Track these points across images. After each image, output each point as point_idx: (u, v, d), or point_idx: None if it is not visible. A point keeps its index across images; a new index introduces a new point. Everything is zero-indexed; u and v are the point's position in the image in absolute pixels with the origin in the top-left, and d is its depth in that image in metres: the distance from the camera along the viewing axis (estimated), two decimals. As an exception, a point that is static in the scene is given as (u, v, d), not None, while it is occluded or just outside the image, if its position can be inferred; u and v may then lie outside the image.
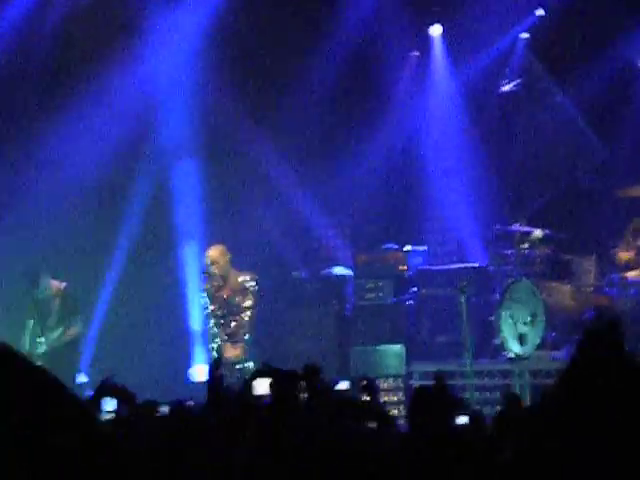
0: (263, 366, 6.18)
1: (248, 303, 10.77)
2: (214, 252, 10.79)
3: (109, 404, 5.93)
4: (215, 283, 10.75)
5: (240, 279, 10.81)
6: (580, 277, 11.07)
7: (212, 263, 10.72)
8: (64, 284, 10.83)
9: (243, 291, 10.80)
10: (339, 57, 12.83)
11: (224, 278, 10.79)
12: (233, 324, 10.78)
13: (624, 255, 10.69)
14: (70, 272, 11.28)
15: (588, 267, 10.99)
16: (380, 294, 12.14)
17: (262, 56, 12.89)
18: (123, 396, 5.90)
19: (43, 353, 10.61)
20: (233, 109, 12.77)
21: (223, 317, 10.73)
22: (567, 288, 11.14)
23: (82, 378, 10.70)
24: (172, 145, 12.85)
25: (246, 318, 10.80)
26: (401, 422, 11.13)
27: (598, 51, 12.12)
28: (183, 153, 12.87)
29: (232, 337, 10.79)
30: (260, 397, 5.86)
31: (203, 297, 10.88)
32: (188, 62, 12.70)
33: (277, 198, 13.25)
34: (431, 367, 11.31)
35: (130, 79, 12.38)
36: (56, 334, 10.68)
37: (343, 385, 6.60)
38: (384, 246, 12.57)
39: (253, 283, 10.78)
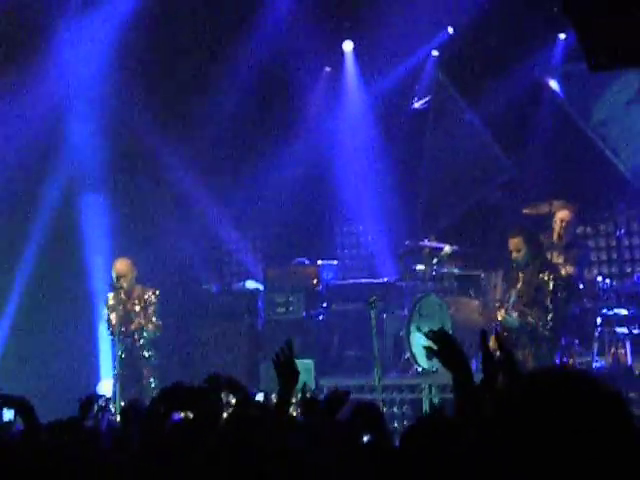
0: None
1: (150, 320, 10.72)
2: (121, 265, 10.74)
3: (6, 414, 5.91)
4: (119, 297, 10.68)
5: (143, 295, 10.76)
6: (487, 292, 11.20)
7: (119, 276, 10.66)
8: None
9: (145, 307, 10.74)
10: (252, 70, 12.81)
11: (128, 293, 10.73)
12: (133, 340, 10.72)
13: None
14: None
15: (495, 282, 11.12)
16: (291, 308, 12.15)
17: (173, 67, 12.82)
18: (20, 407, 5.83)
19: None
20: (143, 121, 12.67)
21: (125, 332, 10.66)
22: (474, 303, 11.27)
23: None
24: (81, 155, 12.68)
25: (148, 334, 10.74)
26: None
27: (507, 69, 12.29)
28: (92, 164, 12.72)
29: (135, 353, 10.71)
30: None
31: (105, 310, 10.80)
32: (98, 71, 12.56)
33: (188, 211, 13.19)
34: (340, 381, 11.34)
35: (40, 86, 12.20)
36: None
37: (259, 397, 6.60)
38: (295, 260, 12.59)
39: (153, 299, 10.74)
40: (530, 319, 9.72)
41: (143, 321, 10.74)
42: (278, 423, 5.22)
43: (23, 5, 12.18)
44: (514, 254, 9.88)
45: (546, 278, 9.72)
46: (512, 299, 9.93)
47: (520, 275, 9.86)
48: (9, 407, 5.75)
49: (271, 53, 12.71)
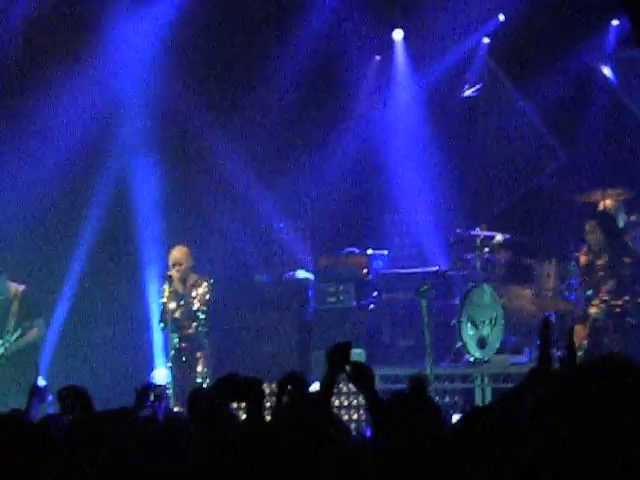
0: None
1: (203, 309, 10.77)
2: (178, 253, 10.82)
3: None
4: (174, 285, 10.74)
5: (197, 284, 10.81)
6: (540, 281, 11.12)
7: (175, 264, 10.73)
8: (22, 287, 10.76)
9: (199, 297, 10.80)
10: (302, 61, 12.81)
11: (183, 281, 10.79)
12: (190, 329, 10.78)
13: (584, 259, 10.76)
14: (29, 275, 11.21)
15: (548, 271, 11.04)
16: (341, 298, 12.15)
17: (225, 59, 12.87)
18: (79, 400, 5.89)
19: (1, 356, 10.52)
20: (194, 111, 12.74)
21: (179, 321, 10.72)
22: (527, 292, 11.19)
23: (41, 382, 10.61)
24: (133, 148, 12.77)
25: (202, 323, 10.81)
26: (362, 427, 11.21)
27: (558, 55, 12.19)
28: (144, 156, 12.80)
29: (190, 342, 10.78)
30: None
31: (161, 300, 10.87)
32: (151, 64, 12.63)
33: (239, 201, 13.22)
34: (391, 371, 11.34)
35: (91, 82, 12.29)
36: (14, 338, 10.59)
37: (315, 386, 6.58)
38: (346, 250, 12.57)
39: (207, 289, 10.79)
40: (617, 308, 9.65)
41: (197, 310, 10.79)
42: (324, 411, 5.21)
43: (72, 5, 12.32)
44: (588, 237, 9.85)
45: (627, 262, 9.65)
46: (589, 291, 9.88)
47: (599, 263, 9.81)
48: (68, 398, 5.81)
49: (321, 43, 12.71)
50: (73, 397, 5.84)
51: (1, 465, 4.37)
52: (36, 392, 6.28)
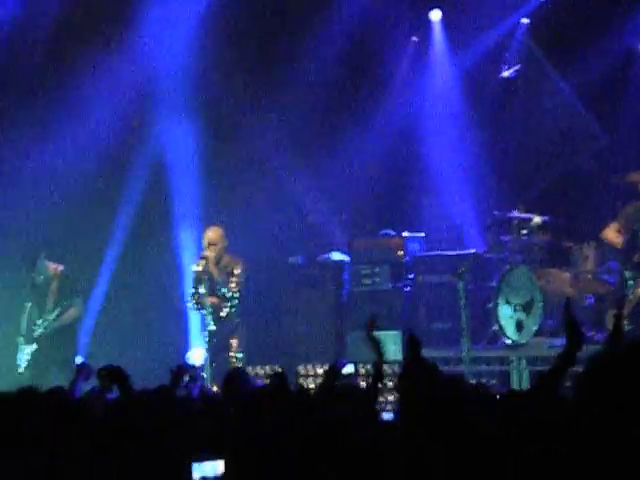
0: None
1: (237, 290, 10.77)
2: (213, 234, 10.82)
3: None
4: (208, 266, 10.74)
5: (232, 265, 10.81)
6: (579, 264, 11.03)
7: (209, 244, 10.75)
8: (61, 267, 10.83)
9: (234, 278, 10.79)
10: (338, 42, 12.79)
11: (217, 261, 10.80)
12: (223, 311, 10.79)
13: (611, 234, 10.64)
14: (68, 255, 11.28)
15: (587, 254, 10.96)
16: (377, 280, 12.13)
17: (261, 40, 12.86)
18: (113, 374, 5.93)
19: (40, 335, 10.60)
20: (230, 92, 12.74)
21: (213, 301, 10.73)
22: (565, 275, 11.11)
23: (79, 360, 10.68)
24: (169, 130, 12.80)
25: (236, 304, 10.81)
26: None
27: (598, 36, 12.07)
28: (180, 137, 12.82)
29: (224, 323, 10.79)
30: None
31: (192, 276, 10.89)
32: (187, 46, 12.65)
33: (274, 182, 13.22)
34: (427, 354, 11.28)
35: (128, 65, 12.34)
36: (53, 317, 10.67)
37: (349, 368, 6.58)
38: (381, 232, 12.54)
39: (241, 271, 10.79)
40: None
41: (231, 291, 10.79)
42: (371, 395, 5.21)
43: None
44: (632, 217, 9.80)
45: None
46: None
47: None
48: (107, 377, 5.85)
49: (359, 23, 12.67)
50: (112, 376, 5.88)
51: (45, 440, 4.40)
52: (82, 370, 6.32)
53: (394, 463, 4.12)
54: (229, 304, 10.80)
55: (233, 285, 10.78)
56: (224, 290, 10.75)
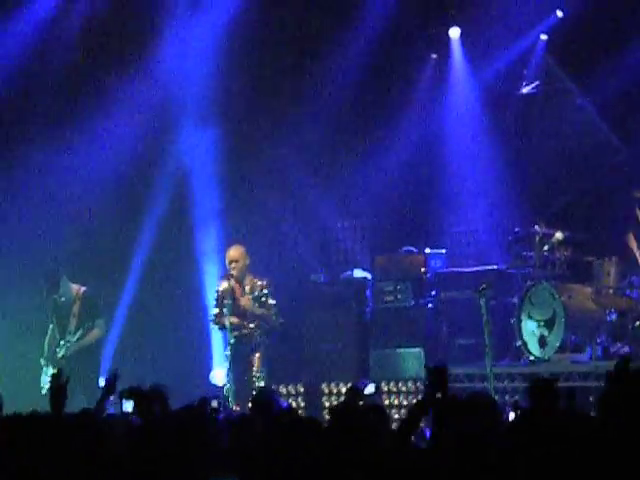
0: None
1: (261, 311, 10.81)
2: (235, 252, 10.88)
3: (127, 405, 6.01)
4: (230, 285, 10.78)
5: (254, 284, 10.85)
6: (601, 279, 11.00)
7: (231, 262, 10.79)
8: (83, 288, 10.89)
9: (258, 297, 10.84)
10: (358, 61, 12.83)
11: (240, 280, 10.84)
12: (245, 329, 10.82)
13: (633, 243, 10.65)
14: (90, 276, 11.34)
15: (608, 269, 10.92)
16: (399, 297, 12.12)
17: (282, 55, 12.93)
18: (137, 397, 5.96)
19: (63, 357, 10.65)
20: (252, 108, 12.80)
21: (236, 321, 10.76)
22: (587, 290, 11.07)
23: (102, 382, 10.71)
24: (191, 145, 12.88)
25: (258, 322, 10.84)
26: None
27: (618, 52, 12.03)
28: (202, 153, 12.89)
29: (246, 342, 10.81)
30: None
31: (215, 296, 10.93)
32: (210, 58, 12.72)
33: (296, 200, 13.25)
34: (450, 370, 11.26)
35: (151, 78, 12.45)
36: (76, 338, 10.72)
37: (370, 388, 6.57)
38: (403, 249, 12.53)
39: (266, 289, 10.83)
40: None
41: (254, 310, 10.82)
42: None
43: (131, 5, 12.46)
44: None
45: None
46: None
47: None
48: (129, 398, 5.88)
49: (377, 41, 12.70)
50: (135, 398, 5.91)
51: (75, 462, 4.42)
52: (108, 390, 6.31)
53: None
54: (251, 322, 10.83)
55: (256, 303, 10.82)
56: (247, 307, 10.79)
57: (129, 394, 6.02)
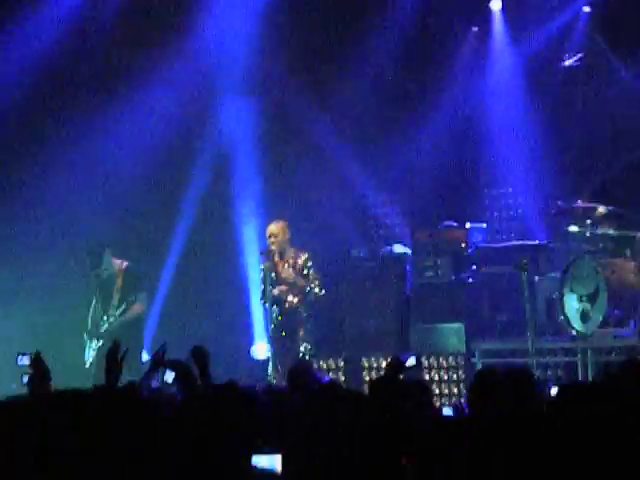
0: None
1: (303, 283, 10.85)
2: (275, 226, 10.93)
3: (169, 376, 6.02)
4: (272, 259, 10.83)
5: (296, 257, 10.90)
6: (644, 253, 10.92)
7: (271, 236, 10.84)
8: (126, 263, 10.94)
9: (299, 270, 10.88)
10: (400, 32, 12.78)
11: (281, 254, 10.88)
12: (288, 303, 10.85)
13: None
14: (133, 251, 11.41)
15: (652, 243, 10.83)
16: (439, 272, 12.07)
17: (320, 31, 12.90)
18: (179, 370, 5.97)
19: (106, 331, 10.73)
20: (292, 86, 12.79)
21: (279, 296, 10.80)
22: (631, 265, 10.98)
23: (145, 356, 10.80)
24: (231, 120, 12.90)
25: (301, 297, 10.87)
26: (462, 401, 11.16)
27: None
28: (242, 128, 12.91)
29: (290, 316, 10.85)
30: None
31: (261, 275, 10.98)
32: (246, 41, 12.72)
33: (335, 175, 13.24)
34: (492, 345, 11.26)
35: (191, 54, 12.46)
36: (118, 312, 10.79)
37: (412, 361, 6.56)
38: (443, 223, 12.48)
39: (305, 262, 10.86)
40: None
41: (296, 283, 10.86)
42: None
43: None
44: None
45: None
46: None
47: None
48: (172, 370, 5.90)
49: (418, 12, 12.64)
50: (177, 370, 5.93)
51: (118, 440, 4.44)
52: (155, 364, 6.29)
53: (457, 460, 4.13)
54: (294, 296, 10.87)
55: (298, 276, 10.86)
56: (289, 281, 10.83)
57: (172, 366, 6.03)
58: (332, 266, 12.30)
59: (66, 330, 11.53)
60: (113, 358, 5.54)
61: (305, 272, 10.92)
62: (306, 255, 10.97)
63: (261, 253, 11.14)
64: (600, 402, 4.08)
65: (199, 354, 6.01)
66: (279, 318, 10.79)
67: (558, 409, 4.26)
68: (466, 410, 6.72)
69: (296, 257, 10.94)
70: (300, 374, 6.78)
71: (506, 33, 13.17)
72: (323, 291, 10.97)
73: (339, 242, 13.01)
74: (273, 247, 10.87)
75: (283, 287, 10.85)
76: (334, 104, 12.96)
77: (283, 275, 10.85)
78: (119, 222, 12.10)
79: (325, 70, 12.96)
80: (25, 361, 6.54)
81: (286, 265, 10.90)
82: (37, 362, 5.87)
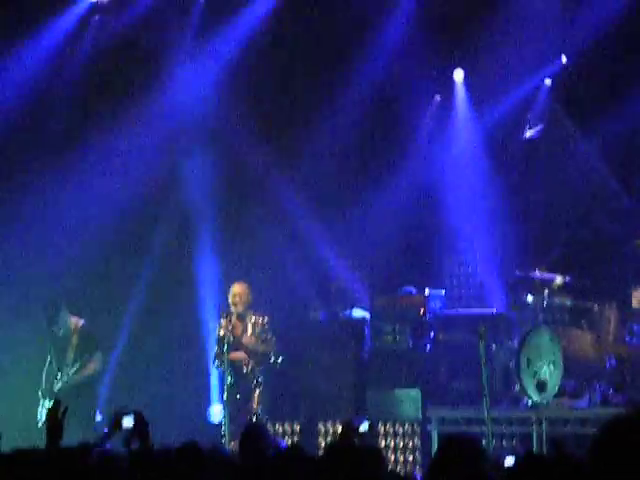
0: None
1: (264, 349, 10.83)
2: (239, 288, 10.94)
3: (126, 420, 5.94)
4: (231, 322, 10.79)
5: (255, 322, 10.88)
6: (600, 325, 10.98)
7: (235, 296, 10.83)
8: (82, 321, 10.87)
9: (259, 335, 10.86)
10: (362, 99, 12.90)
11: (241, 317, 10.86)
12: (245, 368, 10.81)
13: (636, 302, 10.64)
14: (89, 309, 11.32)
15: (608, 315, 10.91)
16: (398, 338, 12.07)
17: (284, 94, 12.98)
18: (139, 418, 5.91)
19: (59, 390, 10.60)
20: (253, 146, 12.85)
21: (236, 360, 10.75)
22: (587, 336, 11.05)
23: (98, 417, 10.67)
24: (193, 179, 12.92)
25: (257, 361, 10.84)
26: (417, 468, 11.10)
27: (622, 98, 12.08)
28: (203, 187, 12.92)
29: (246, 379, 10.80)
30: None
31: (218, 333, 10.92)
32: (212, 95, 12.83)
33: (296, 239, 13.25)
34: (448, 413, 11.23)
35: (153, 120, 12.51)
36: (73, 371, 10.68)
37: (364, 426, 6.53)
38: (403, 289, 12.51)
39: (264, 327, 10.86)
40: None
41: (253, 347, 10.83)
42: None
43: (136, 42, 12.54)
44: None
45: None
46: None
47: None
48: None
49: (382, 80, 12.79)
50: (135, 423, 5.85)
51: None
52: (114, 427, 6.22)
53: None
54: (250, 360, 10.82)
55: (256, 340, 10.83)
56: (247, 345, 10.80)
57: (128, 412, 5.95)
58: (290, 329, 12.27)
59: (20, 388, 11.37)
60: (53, 417, 5.48)
61: (264, 336, 10.89)
62: (265, 319, 10.97)
63: (220, 314, 11.10)
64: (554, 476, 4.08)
65: (141, 421, 5.91)
66: (233, 381, 10.72)
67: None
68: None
69: (256, 321, 10.92)
70: (254, 437, 6.71)
71: (468, 103, 13.33)
72: (281, 358, 10.94)
73: (298, 305, 13.00)
74: (234, 308, 10.85)
75: (240, 353, 10.80)
76: (297, 166, 13.03)
77: (244, 341, 10.83)
78: (77, 279, 12.02)
79: (288, 132, 13.03)
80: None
81: (248, 329, 10.87)
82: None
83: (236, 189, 12.98)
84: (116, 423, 6.11)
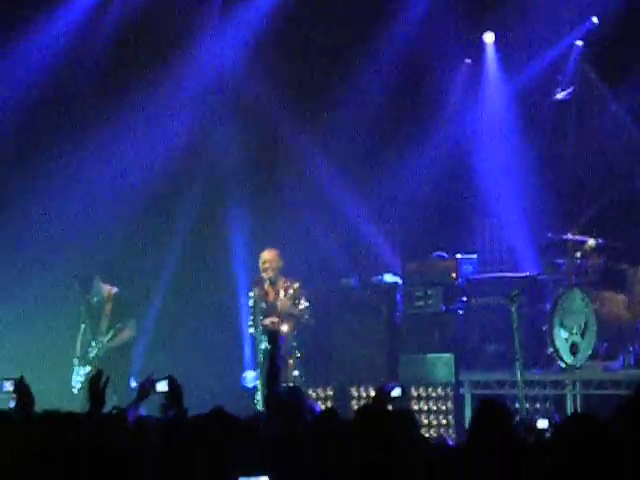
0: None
1: (297, 312, 10.89)
2: (269, 254, 11.00)
3: (160, 385, 6.02)
4: (263, 288, 10.85)
5: (287, 286, 10.93)
6: (634, 287, 10.93)
7: (265, 263, 10.89)
8: (115, 289, 10.96)
9: (292, 299, 10.92)
10: (393, 64, 12.86)
11: (273, 282, 10.91)
12: (281, 331, 10.86)
13: None
14: (123, 275, 11.41)
15: (641, 277, 10.86)
16: (429, 302, 12.09)
17: (315, 59, 12.96)
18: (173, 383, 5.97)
19: (94, 357, 10.71)
20: (283, 114, 12.84)
21: (270, 326, 10.80)
22: (620, 298, 11.01)
23: (133, 383, 10.77)
24: (223, 149, 12.94)
25: (293, 326, 10.90)
26: (449, 431, 11.14)
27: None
28: (234, 160, 12.95)
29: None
30: None
31: (250, 303, 10.99)
32: (239, 69, 12.81)
33: (327, 204, 13.26)
34: (480, 376, 11.25)
35: (182, 84, 12.53)
36: (107, 338, 10.79)
37: (397, 391, 6.56)
38: (434, 254, 12.50)
39: (297, 292, 10.90)
40: None
41: (286, 312, 10.89)
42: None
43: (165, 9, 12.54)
44: None
45: None
46: None
47: None
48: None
49: (412, 45, 12.73)
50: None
51: (106, 463, 4.45)
52: (142, 395, 6.29)
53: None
54: (284, 325, 10.89)
55: (288, 305, 10.89)
56: (279, 310, 10.86)
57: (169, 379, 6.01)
58: (322, 295, 12.30)
59: (55, 356, 11.50)
60: (96, 385, 5.54)
61: (297, 301, 10.95)
62: (297, 284, 11.02)
63: (252, 281, 11.17)
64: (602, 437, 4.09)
65: (175, 386, 5.98)
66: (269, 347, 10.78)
67: (560, 439, 4.26)
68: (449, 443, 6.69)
69: (288, 285, 10.98)
70: (292, 402, 6.76)
71: (499, 66, 13.24)
72: (313, 320, 11.00)
73: (330, 271, 13.02)
74: (265, 274, 10.92)
75: (275, 318, 10.87)
76: (328, 133, 13.02)
77: (279, 304, 10.89)
78: (109, 248, 12.09)
79: (317, 101, 13.01)
80: (9, 387, 6.51)
81: (281, 294, 10.93)
82: (20, 387, 5.87)
83: (264, 156, 13.00)
84: (143, 390, 6.18)
